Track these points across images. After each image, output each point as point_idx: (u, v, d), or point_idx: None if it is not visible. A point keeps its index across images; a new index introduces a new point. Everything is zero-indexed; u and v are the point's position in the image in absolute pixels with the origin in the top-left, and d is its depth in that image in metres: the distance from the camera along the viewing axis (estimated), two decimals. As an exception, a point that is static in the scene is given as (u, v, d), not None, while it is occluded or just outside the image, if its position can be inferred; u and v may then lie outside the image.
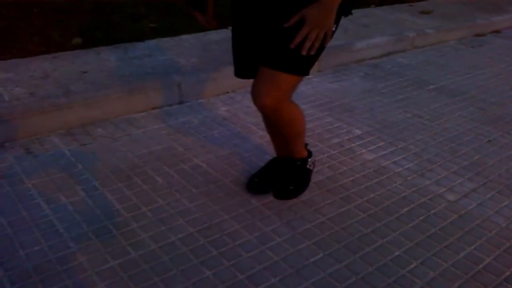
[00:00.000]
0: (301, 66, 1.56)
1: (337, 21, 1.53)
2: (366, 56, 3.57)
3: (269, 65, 1.55)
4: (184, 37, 3.39)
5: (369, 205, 1.92)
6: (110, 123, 2.43)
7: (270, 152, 2.18)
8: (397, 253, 1.66)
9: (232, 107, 2.71)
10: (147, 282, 1.48)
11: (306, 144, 1.99)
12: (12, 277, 1.47)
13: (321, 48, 1.53)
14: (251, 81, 1.66)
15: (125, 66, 2.77)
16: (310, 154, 1.99)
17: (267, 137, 2.05)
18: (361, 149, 2.36)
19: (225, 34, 3.37)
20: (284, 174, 1.96)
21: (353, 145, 2.40)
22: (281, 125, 1.76)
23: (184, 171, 2.07)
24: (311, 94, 2.96)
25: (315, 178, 2.05)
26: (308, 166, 1.96)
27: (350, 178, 2.11)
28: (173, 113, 2.60)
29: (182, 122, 2.50)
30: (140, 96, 2.55)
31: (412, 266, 1.61)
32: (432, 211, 1.90)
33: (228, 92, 2.89)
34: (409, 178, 2.13)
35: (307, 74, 1.61)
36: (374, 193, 2.01)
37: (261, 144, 2.32)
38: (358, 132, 2.53)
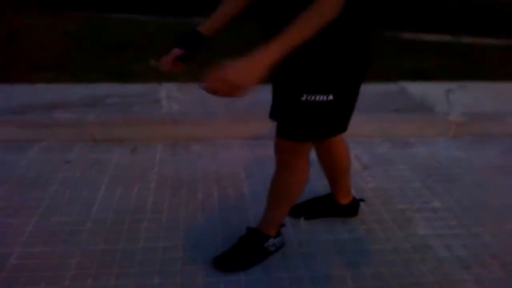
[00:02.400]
0: (289, 131, 1.58)
1: (342, 86, 1.49)
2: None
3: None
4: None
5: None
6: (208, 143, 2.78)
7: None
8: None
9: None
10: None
11: (283, 225, 1.89)
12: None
13: (318, 117, 1.51)
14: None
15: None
16: (278, 234, 1.86)
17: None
18: (420, 223, 2.08)
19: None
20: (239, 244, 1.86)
21: (416, 215, 2.13)
22: (273, 182, 1.75)
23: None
24: (424, 156, 2.70)
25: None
26: (266, 245, 1.82)
27: (380, 247, 1.91)
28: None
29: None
30: (241, 124, 2.82)
31: None
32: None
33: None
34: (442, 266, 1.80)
35: (303, 140, 1.60)
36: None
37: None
38: (437, 205, 2.22)
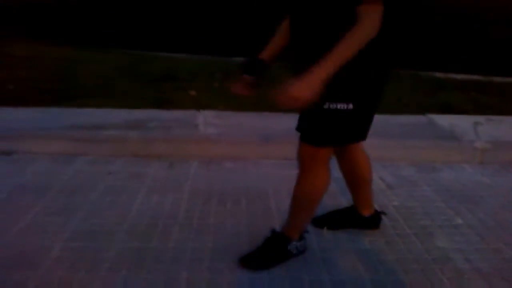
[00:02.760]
0: (311, 136, 1.73)
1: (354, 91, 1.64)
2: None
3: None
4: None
5: None
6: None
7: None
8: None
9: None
10: None
11: (306, 231, 2.00)
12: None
13: (338, 123, 1.67)
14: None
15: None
16: (301, 238, 1.96)
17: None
18: (441, 237, 2.14)
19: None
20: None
21: (438, 231, 2.19)
22: (295, 187, 1.87)
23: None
24: (449, 179, 2.75)
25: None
26: (289, 248, 1.92)
27: (400, 257, 1.98)
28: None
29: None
30: (272, 146, 2.97)
31: None
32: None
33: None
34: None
35: (322, 144, 1.75)
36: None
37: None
38: (460, 222, 2.27)
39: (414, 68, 5.15)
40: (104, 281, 1.80)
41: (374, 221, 2.17)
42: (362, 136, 1.81)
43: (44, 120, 3.22)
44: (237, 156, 2.96)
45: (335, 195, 2.40)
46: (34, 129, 3.06)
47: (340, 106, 1.64)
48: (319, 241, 2.09)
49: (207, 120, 3.35)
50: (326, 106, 1.64)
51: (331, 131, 1.71)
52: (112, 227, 2.17)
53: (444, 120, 3.49)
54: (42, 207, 2.33)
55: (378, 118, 3.31)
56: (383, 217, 2.22)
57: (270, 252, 1.92)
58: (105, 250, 1.99)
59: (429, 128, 3.34)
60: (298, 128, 1.79)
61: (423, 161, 2.95)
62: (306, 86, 1.50)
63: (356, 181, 2.08)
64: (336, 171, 2.09)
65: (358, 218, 2.15)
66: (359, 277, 1.86)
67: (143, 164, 2.87)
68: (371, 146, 2.94)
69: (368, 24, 1.47)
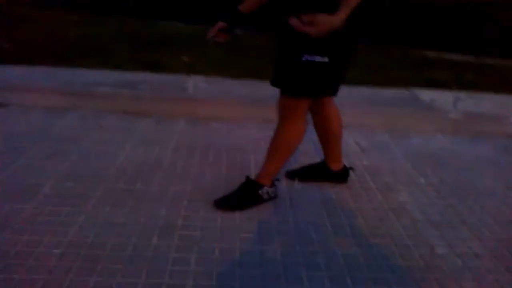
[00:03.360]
0: (290, 88, 1.92)
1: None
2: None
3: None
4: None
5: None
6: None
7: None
8: None
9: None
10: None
11: (277, 179, 2.18)
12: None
13: (314, 75, 1.86)
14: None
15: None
16: (272, 185, 2.13)
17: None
18: (402, 193, 2.34)
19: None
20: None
21: (400, 187, 2.39)
22: (273, 136, 2.08)
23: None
24: (420, 146, 2.93)
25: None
26: (260, 192, 2.10)
27: (361, 206, 2.17)
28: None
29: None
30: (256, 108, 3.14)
31: None
32: None
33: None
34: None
35: (300, 95, 1.94)
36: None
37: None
38: (422, 181, 2.46)
39: (406, 45, 5.29)
40: (89, 215, 1.98)
41: (342, 176, 2.36)
42: (335, 90, 2.01)
43: (38, 76, 3.38)
44: (223, 117, 3.12)
45: (312, 156, 2.57)
46: (28, 83, 3.22)
47: (317, 58, 1.84)
48: (289, 191, 2.27)
49: (196, 84, 3.50)
50: (304, 59, 1.84)
51: (308, 82, 1.90)
52: (99, 171, 2.35)
53: (426, 95, 3.64)
54: (35, 151, 2.51)
55: (361, 90, 3.52)
56: (351, 173, 2.40)
57: (243, 195, 2.11)
58: (91, 190, 2.17)
59: (410, 101, 3.51)
60: (276, 82, 1.96)
61: (398, 129, 3.12)
62: (333, 19, 1.69)
63: (327, 136, 2.25)
64: (313, 134, 2.29)
65: (328, 172, 2.33)
66: (321, 220, 2.05)
67: (132, 120, 3.04)
68: (351, 113, 3.13)
69: None
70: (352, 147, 2.83)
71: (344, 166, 2.37)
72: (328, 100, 2.15)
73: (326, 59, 1.84)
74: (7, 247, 1.74)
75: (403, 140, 3.01)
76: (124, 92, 3.17)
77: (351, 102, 3.20)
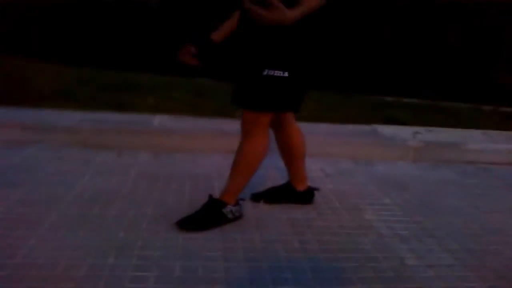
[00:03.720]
0: (251, 102, 1.92)
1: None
2: (481, 159, 3.25)
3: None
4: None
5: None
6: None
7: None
8: None
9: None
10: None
11: (242, 199, 2.14)
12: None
13: (275, 90, 1.88)
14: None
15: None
16: (236, 204, 2.08)
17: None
18: (369, 212, 2.31)
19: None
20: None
21: (367, 207, 2.36)
22: (236, 153, 2.05)
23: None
24: (384, 172, 2.95)
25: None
26: (224, 211, 2.03)
27: (328, 224, 2.12)
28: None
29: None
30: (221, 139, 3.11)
31: None
32: None
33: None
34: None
35: (262, 109, 1.94)
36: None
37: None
38: (387, 201, 2.44)
39: (365, 92, 5.47)
40: (42, 238, 1.85)
41: (307, 196, 2.32)
42: (296, 105, 2.01)
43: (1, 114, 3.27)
44: (187, 148, 3.07)
45: (278, 182, 2.53)
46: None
47: (277, 73, 1.86)
48: (254, 212, 2.21)
49: (161, 121, 3.47)
50: (265, 73, 1.86)
51: (269, 96, 1.90)
52: (55, 198, 2.23)
53: (387, 130, 3.71)
54: (-12, 181, 2.38)
55: (324, 126, 3.57)
56: (317, 194, 2.37)
57: (206, 214, 2.03)
58: (45, 215, 2.05)
59: (371, 134, 3.56)
60: (235, 99, 1.96)
61: (362, 157, 3.14)
62: (288, 11, 1.68)
63: (291, 154, 2.23)
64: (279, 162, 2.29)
65: (293, 192, 2.29)
66: (288, 237, 1.99)
67: (93, 152, 2.95)
68: (315, 142, 3.15)
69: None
70: (317, 173, 2.82)
71: (309, 186, 2.33)
72: (289, 117, 2.15)
73: (286, 74, 1.86)
74: None
75: (367, 167, 3.02)
76: (86, 126, 3.09)
77: (315, 135, 3.23)
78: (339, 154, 3.14)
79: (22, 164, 2.66)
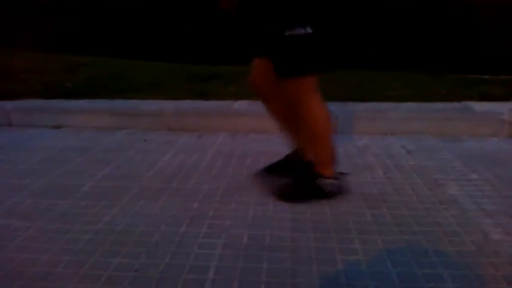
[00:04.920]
0: (292, 69, 1.82)
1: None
2: None
3: None
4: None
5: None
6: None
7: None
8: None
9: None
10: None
11: (342, 173, 2.03)
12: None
13: (305, 52, 1.77)
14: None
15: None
16: (334, 177, 1.98)
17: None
18: (452, 187, 2.15)
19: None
20: (295, 173, 2.03)
21: (450, 182, 2.20)
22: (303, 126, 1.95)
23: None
24: (473, 148, 2.72)
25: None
26: (319, 184, 1.96)
27: (406, 199, 2.01)
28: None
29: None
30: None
31: None
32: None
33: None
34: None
35: (302, 74, 1.82)
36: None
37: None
38: (474, 176, 2.25)
39: (460, 71, 5.10)
40: (123, 207, 1.98)
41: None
42: (333, 64, 1.90)
43: (92, 104, 3.53)
44: (263, 129, 3.09)
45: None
46: (81, 107, 3.38)
47: (300, 31, 1.73)
48: (328, 186, 2.16)
49: (240, 106, 3.52)
50: (287, 34, 1.74)
51: (307, 57, 1.79)
52: (139, 173, 2.36)
53: (479, 106, 3.42)
54: (83, 159, 2.59)
55: (408, 105, 3.38)
56: (396, 171, 2.26)
57: (302, 186, 2.00)
58: (128, 188, 2.18)
59: (461, 111, 3.31)
60: (278, 69, 1.86)
61: (449, 134, 2.93)
62: None
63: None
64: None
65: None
66: (361, 210, 1.92)
67: (175, 135, 3.08)
68: (396, 120, 3.00)
69: None
70: (398, 150, 2.68)
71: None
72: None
73: (309, 30, 1.74)
74: (38, 234, 1.75)
75: (454, 143, 2.82)
76: (169, 109, 3.24)
77: (396, 111, 3.08)
78: (423, 131, 2.95)
79: (111, 146, 2.86)
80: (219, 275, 1.49)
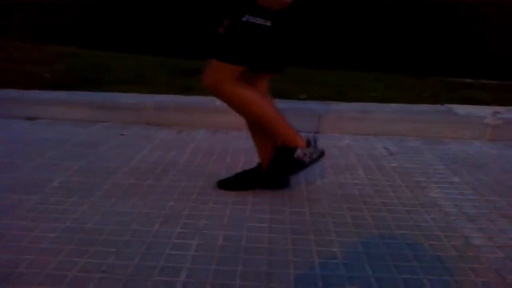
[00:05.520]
0: (227, 55, 1.74)
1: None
2: None
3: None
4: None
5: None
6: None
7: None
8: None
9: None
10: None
11: (308, 142, 1.90)
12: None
13: (255, 40, 1.69)
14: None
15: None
16: (308, 144, 1.89)
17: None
18: (434, 190, 2.11)
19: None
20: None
21: (431, 185, 2.16)
22: (236, 109, 1.90)
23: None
24: (455, 151, 2.69)
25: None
26: (296, 155, 1.86)
27: (387, 201, 1.96)
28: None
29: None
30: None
31: None
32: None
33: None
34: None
35: (236, 63, 1.74)
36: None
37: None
38: (456, 180, 2.22)
39: (443, 75, 5.10)
40: (93, 205, 1.89)
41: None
42: (275, 65, 1.83)
43: (69, 95, 3.42)
44: (244, 127, 3.01)
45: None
46: (58, 98, 3.27)
47: (259, 20, 1.66)
48: (307, 186, 2.12)
49: (223, 103, 3.44)
50: (244, 19, 1.66)
51: (244, 47, 1.71)
52: (113, 169, 2.27)
53: (462, 109, 3.41)
54: (55, 153, 2.48)
55: (391, 106, 3.35)
56: (377, 173, 2.22)
57: (281, 163, 1.91)
58: (100, 184, 2.09)
59: (444, 113, 3.29)
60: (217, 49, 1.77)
61: (432, 136, 2.91)
62: None
63: (261, 131, 2.00)
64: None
65: (264, 174, 2.05)
66: (340, 212, 1.86)
67: (154, 130, 2.99)
68: (379, 121, 2.96)
69: None
70: (380, 151, 2.65)
71: None
72: (261, 84, 1.93)
73: (268, 23, 1.65)
74: (1, 231, 1.66)
75: (436, 145, 2.79)
76: (148, 103, 3.15)
77: (379, 113, 3.04)
78: (406, 133, 2.93)
79: (86, 139, 2.76)
80: (191, 277, 1.42)
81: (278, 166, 1.93)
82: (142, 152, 2.55)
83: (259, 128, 1.97)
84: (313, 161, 1.90)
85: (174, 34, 6.59)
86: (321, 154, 1.91)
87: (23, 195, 1.96)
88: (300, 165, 1.89)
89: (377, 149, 2.67)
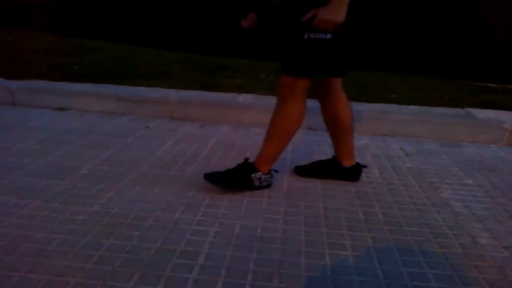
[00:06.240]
0: (291, 67, 1.89)
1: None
2: None
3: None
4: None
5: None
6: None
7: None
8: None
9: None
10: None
11: (276, 171, 2.12)
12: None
13: (317, 54, 1.83)
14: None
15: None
16: (267, 173, 2.06)
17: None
18: (446, 190, 2.16)
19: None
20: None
21: (444, 186, 2.21)
22: (272, 117, 2.03)
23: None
24: (471, 154, 2.73)
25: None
26: (252, 176, 2.02)
27: (399, 199, 2.03)
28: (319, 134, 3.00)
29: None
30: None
31: None
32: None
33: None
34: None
35: (302, 75, 1.89)
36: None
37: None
38: (470, 182, 2.27)
39: (467, 78, 5.10)
40: (119, 192, 2.01)
41: (354, 173, 2.20)
42: (340, 70, 1.94)
43: (98, 88, 3.57)
44: (265, 124, 3.10)
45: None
46: (86, 90, 3.41)
47: (319, 35, 1.80)
48: (322, 182, 2.19)
49: (245, 99, 3.54)
50: (305, 36, 1.81)
51: (310, 60, 1.85)
52: (138, 160, 2.39)
53: (482, 113, 3.43)
54: (83, 142, 2.62)
55: (412, 108, 3.39)
56: (392, 173, 2.28)
57: (235, 175, 2.04)
58: (126, 173, 2.21)
59: (463, 117, 3.32)
60: (283, 64, 1.93)
61: (450, 139, 2.95)
62: (336, 10, 1.72)
63: (337, 129, 2.14)
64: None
65: (338, 168, 2.19)
66: (353, 208, 1.94)
67: (178, 123, 3.11)
68: (398, 122, 3.01)
69: None
70: (396, 151, 2.70)
71: (357, 163, 2.22)
72: (336, 87, 2.06)
73: (328, 36, 1.80)
74: (34, 212, 1.79)
75: (453, 148, 2.83)
76: (173, 99, 3.26)
77: (399, 114, 3.09)
78: (424, 135, 2.97)
79: (112, 130, 2.89)
80: (209, 261, 1.52)
81: (231, 175, 2.04)
82: (166, 144, 2.67)
83: (335, 123, 2.13)
84: (260, 187, 2.06)
85: (196, 30, 6.71)
86: (269, 185, 2.09)
87: (52, 180, 2.09)
88: (248, 184, 2.04)
89: (394, 150, 2.72)
